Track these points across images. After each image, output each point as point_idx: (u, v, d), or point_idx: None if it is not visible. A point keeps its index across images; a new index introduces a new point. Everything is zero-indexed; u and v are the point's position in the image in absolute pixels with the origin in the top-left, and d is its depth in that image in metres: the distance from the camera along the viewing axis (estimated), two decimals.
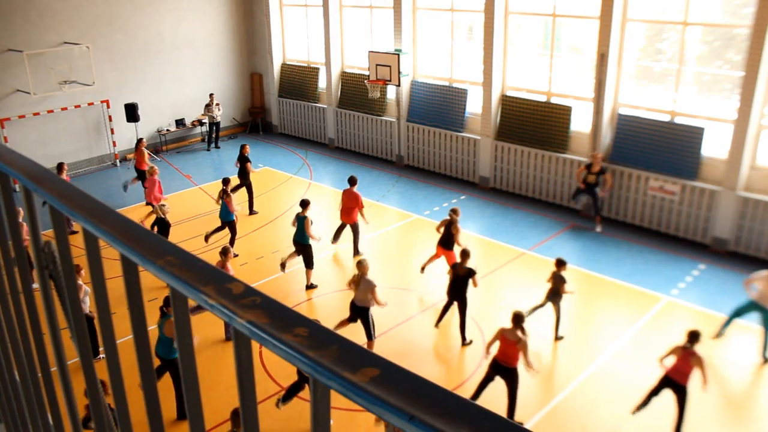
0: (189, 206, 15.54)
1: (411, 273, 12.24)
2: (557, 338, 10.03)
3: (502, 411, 8.14)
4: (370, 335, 9.53)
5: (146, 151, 15.93)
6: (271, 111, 21.71)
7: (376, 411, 0.81)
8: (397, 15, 17.05)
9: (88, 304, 9.16)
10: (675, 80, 13.40)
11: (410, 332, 10.43)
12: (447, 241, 11.24)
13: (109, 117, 18.48)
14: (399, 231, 14.18)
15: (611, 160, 14.06)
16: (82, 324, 1.63)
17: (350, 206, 12.50)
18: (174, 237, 13.01)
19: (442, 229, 11.45)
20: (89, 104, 18.09)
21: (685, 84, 13.48)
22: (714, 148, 12.93)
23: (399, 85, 17.15)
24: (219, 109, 19.73)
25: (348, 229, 12.78)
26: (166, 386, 7.98)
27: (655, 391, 8.10)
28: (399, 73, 16.82)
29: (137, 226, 1.27)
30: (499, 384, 8.30)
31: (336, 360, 0.87)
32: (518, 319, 8.08)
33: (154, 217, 12.68)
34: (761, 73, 11.81)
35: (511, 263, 12.50)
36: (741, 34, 12.43)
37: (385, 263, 12.55)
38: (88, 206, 1.35)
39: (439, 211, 14.69)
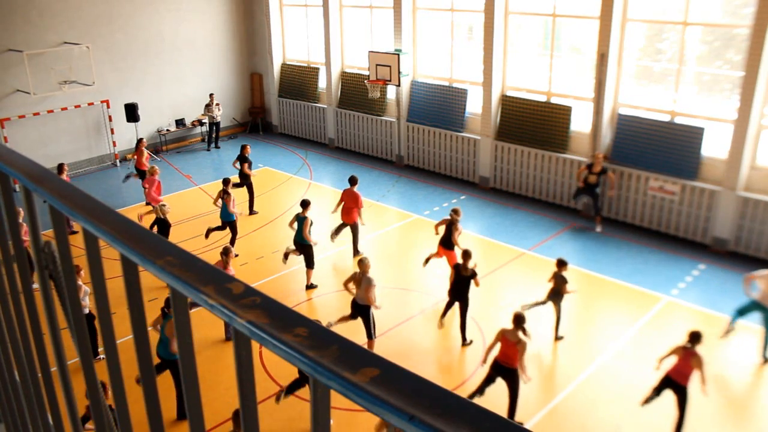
0: (189, 206, 15.54)
1: (411, 273, 12.24)
2: (557, 338, 10.03)
3: (502, 411, 8.14)
4: (370, 335, 9.54)
5: (146, 151, 15.93)
6: (271, 111, 21.71)
7: (376, 411, 0.81)
8: (397, 15, 17.05)
9: (87, 304, 9.16)
10: (675, 80, 13.40)
11: (410, 332, 10.43)
12: (448, 241, 11.23)
13: (109, 117, 18.48)
14: (399, 231, 14.18)
15: (611, 160, 14.06)
16: (82, 324, 1.63)
17: (350, 206, 12.49)
18: (174, 237, 13.01)
19: (441, 229, 11.45)
20: (89, 104, 18.10)
21: (685, 84, 13.48)
22: (714, 148, 12.93)
23: (399, 85, 17.15)
24: (219, 109, 19.73)
25: (348, 229, 12.77)
26: (166, 386, 7.97)
27: (656, 390, 8.10)
28: (399, 73, 16.82)
29: (137, 226, 1.27)
30: (499, 384, 8.29)
31: (336, 360, 0.87)
32: (519, 320, 8.08)
33: (153, 216, 12.67)
34: (761, 73, 11.81)
35: (511, 263, 12.50)
36: (741, 34, 12.43)
37: (385, 263, 12.55)
38: (88, 206, 1.35)
39: (439, 211, 14.70)
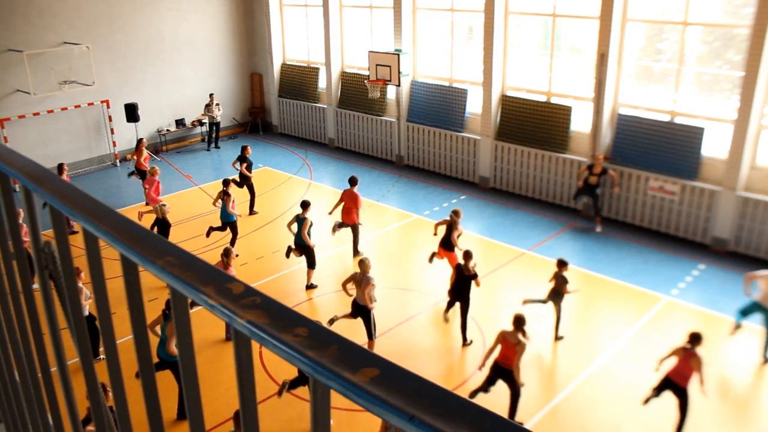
0: (189, 206, 15.54)
1: (411, 273, 12.24)
2: (557, 338, 10.04)
3: (502, 411, 8.14)
4: (370, 335, 9.53)
5: (146, 151, 15.93)
6: (271, 111, 21.71)
7: (376, 411, 0.81)
8: (397, 15, 17.05)
9: (87, 306, 9.16)
10: (675, 80, 13.40)
11: (410, 332, 10.43)
12: (448, 242, 11.23)
13: (109, 117, 18.48)
14: (399, 231, 14.18)
15: (611, 160, 14.06)
16: (82, 324, 1.63)
17: (350, 206, 12.49)
18: (174, 237, 13.01)
19: (441, 229, 11.45)
20: (89, 104, 18.10)
21: (685, 84, 13.48)
22: (714, 148, 12.93)
23: (399, 85, 17.15)
24: (219, 109, 19.74)
25: (348, 230, 12.77)
26: (166, 386, 7.97)
27: (657, 390, 8.10)
28: (399, 73, 16.82)
29: (137, 226, 1.27)
30: (499, 384, 8.29)
31: (336, 360, 0.87)
32: (519, 322, 8.08)
33: (153, 216, 12.67)
34: (761, 73, 11.81)
35: (511, 263, 12.50)
36: (741, 34, 12.43)
37: (385, 263, 12.55)
38: (88, 206, 1.35)
39: (439, 211, 14.70)
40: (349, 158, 18.91)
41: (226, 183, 12.77)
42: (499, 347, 8.23)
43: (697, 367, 7.71)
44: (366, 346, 7.42)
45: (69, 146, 17.98)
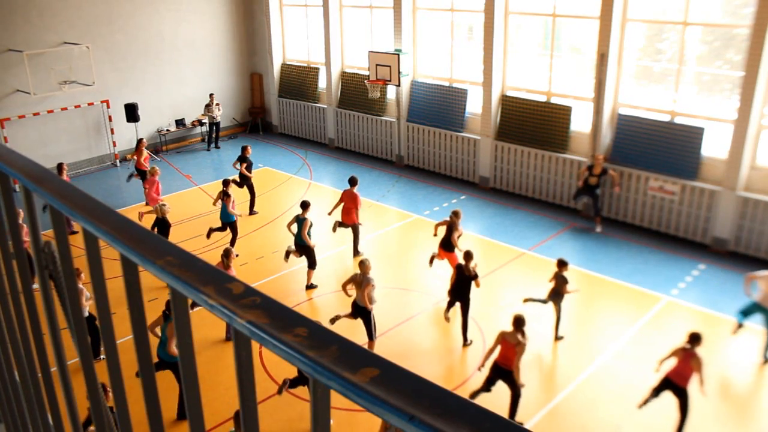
0: (189, 206, 15.54)
1: (411, 273, 12.24)
2: (557, 338, 10.04)
3: (502, 411, 8.14)
4: (371, 336, 9.53)
5: (146, 152, 15.93)
6: (271, 111, 21.71)
7: (376, 411, 0.81)
8: (397, 15, 17.05)
9: (87, 307, 9.15)
10: (675, 80, 13.40)
11: (410, 332, 10.43)
12: (448, 242, 11.23)
13: (109, 117, 18.48)
14: (399, 231, 14.18)
15: (611, 160, 14.06)
16: (82, 324, 1.63)
17: (350, 207, 12.49)
18: (174, 237, 13.01)
19: (441, 230, 11.45)
20: (89, 104, 18.10)
21: (685, 84, 13.48)
22: (714, 148, 12.93)
23: (399, 85, 17.15)
24: (219, 109, 19.74)
25: (348, 230, 12.76)
26: (166, 386, 7.97)
27: (656, 392, 8.10)
28: (399, 73, 16.82)
29: (137, 226, 1.27)
30: (499, 384, 8.29)
31: (336, 360, 0.87)
32: (519, 322, 8.08)
33: (154, 216, 12.67)
34: (761, 73, 11.81)
35: (511, 263, 12.50)
36: (741, 34, 12.43)
37: (385, 263, 12.55)
38: (88, 206, 1.35)
39: (439, 211, 14.70)
40: (349, 158, 18.91)
41: (226, 183, 12.77)
42: (498, 348, 8.23)
43: (697, 367, 7.71)
44: (366, 347, 7.42)
45: (69, 146, 17.98)
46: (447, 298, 10.25)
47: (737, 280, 11.32)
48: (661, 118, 13.58)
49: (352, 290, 9.48)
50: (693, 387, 7.93)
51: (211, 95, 19.72)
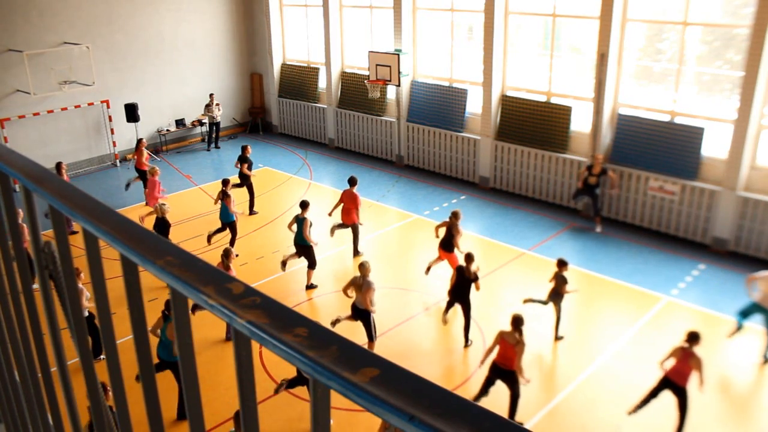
0: (189, 206, 15.54)
1: (411, 273, 12.24)
2: (557, 338, 10.04)
3: (502, 411, 8.14)
4: (371, 336, 9.52)
5: (146, 152, 15.93)
6: (271, 111, 21.71)
7: (376, 411, 0.81)
8: (397, 15, 17.05)
9: (87, 306, 9.15)
10: (675, 80, 13.40)
11: (410, 332, 10.43)
12: (448, 243, 11.23)
13: (109, 117, 18.48)
14: (399, 231, 14.18)
15: (611, 160, 14.06)
16: (82, 324, 1.63)
17: (349, 207, 12.49)
18: (174, 237, 13.01)
19: (441, 231, 11.45)
20: (89, 104, 18.10)
21: (685, 84, 13.48)
22: (714, 148, 12.93)
23: (399, 85, 17.15)
24: (219, 109, 19.74)
25: (348, 230, 12.77)
26: (166, 386, 7.97)
27: (654, 393, 8.09)
28: (399, 73, 16.82)
29: (137, 226, 1.27)
30: (499, 384, 8.29)
31: (336, 360, 0.87)
32: (517, 322, 8.07)
33: (154, 216, 12.67)
34: (761, 73, 11.81)
35: (511, 263, 12.50)
36: (741, 34, 12.43)
37: (385, 263, 12.55)
38: (88, 206, 1.35)
39: (439, 211, 14.70)
40: (349, 158, 18.91)
41: (225, 183, 12.78)
42: (497, 348, 8.23)
43: (696, 366, 7.71)
44: (366, 347, 7.41)
45: (69, 146, 17.98)
46: (447, 299, 10.24)
47: (737, 280, 11.32)
48: (661, 118, 13.58)
49: (353, 293, 9.48)
50: (692, 386, 7.93)
51: (211, 95, 19.72)
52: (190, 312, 1.19)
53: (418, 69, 17.66)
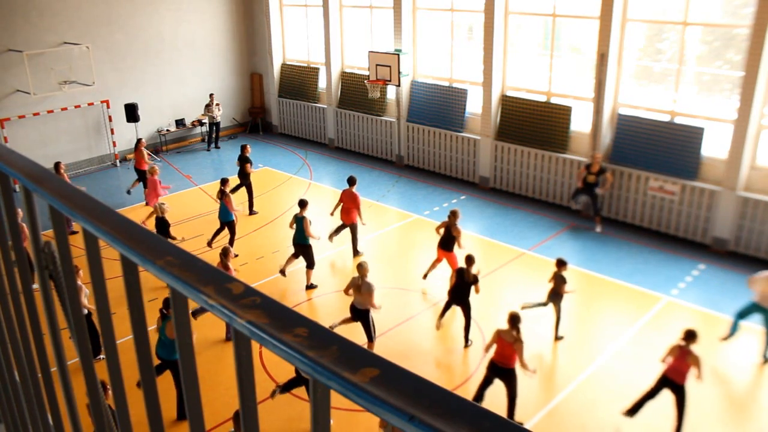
0: (189, 206, 15.53)
1: (411, 273, 12.24)
2: (557, 338, 10.03)
3: (502, 411, 8.14)
4: (370, 337, 9.52)
5: (146, 151, 15.93)
6: (271, 111, 21.71)
7: (376, 411, 0.81)
8: (397, 15, 17.05)
9: (86, 305, 9.15)
10: (675, 80, 13.40)
11: (410, 332, 10.43)
12: (447, 243, 11.23)
13: (109, 117, 18.48)
14: (399, 231, 14.18)
15: (611, 160, 14.06)
16: (82, 324, 1.63)
17: (349, 206, 12.49)
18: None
19: (441, 231, 11.44)
20: (89, 104, 18.10)
21: (685, 84, 13.48)
22: (714, 148, 12.93)
23: (399, 85, 17.15)
24: (219, 109, 19.74)
25: (347, 230, 12.77)
26: (166, 386, 7.97)
27: (651, 394, 8.08)
28: (399, 73, 16.82)
29: (137, 226, 1.27)
30: (499, 384, 8.29)
31: (336, 360, 0.87)
32: (514, 320, 8.07)
33: (154, 218, 12.67)
34: (761, 73, 11.81)
35: (511, 263, 12.50)
36: (741, 34, 12.43)
37: (385, 263, 12.55)
38: (88, 206, 1.35)
39: (439, 211, 14.69)
40: (349, 158, 18.91)
41: (224, 182, 12.79)
42: (494, 346, 8.23)
43: (694, 363, 7.71)
44: (365, 348, 7.41)
45: (69, 146, 17.97)
46: (447, 299, 10.22)
47: (737, 280, 11.31)
48: (661, 118, 13.58)
49: (354, 294, 9.48)
50: (690, 384, 7.92)
51: (211, 95, 19.71)
52: (191, 316, 1.19)
53: (418, 69, 17.66)
